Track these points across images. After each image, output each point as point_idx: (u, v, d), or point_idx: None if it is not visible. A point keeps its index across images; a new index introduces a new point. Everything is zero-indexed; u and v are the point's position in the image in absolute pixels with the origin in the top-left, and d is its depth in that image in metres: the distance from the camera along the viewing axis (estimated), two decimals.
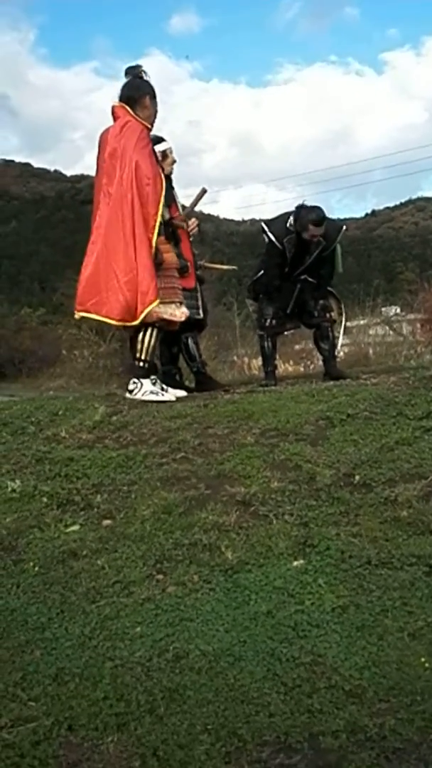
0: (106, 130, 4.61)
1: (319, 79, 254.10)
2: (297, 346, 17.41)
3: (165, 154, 5.20)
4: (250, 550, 2.49)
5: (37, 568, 2.54)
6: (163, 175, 4.62)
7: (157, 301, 4.33)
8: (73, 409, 4.20)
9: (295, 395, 4.02)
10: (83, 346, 19.47)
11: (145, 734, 1.75)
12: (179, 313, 4.59)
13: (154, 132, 4.99)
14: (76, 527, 2.81)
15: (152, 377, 4.63)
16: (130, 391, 4.57)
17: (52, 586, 2.43)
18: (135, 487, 3.07)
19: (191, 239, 5.38)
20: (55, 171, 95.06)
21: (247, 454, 3.22)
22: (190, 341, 5.37)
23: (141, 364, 4.59)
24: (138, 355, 4.59)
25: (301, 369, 15.52)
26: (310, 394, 3.99)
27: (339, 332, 5.77)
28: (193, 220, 5.41)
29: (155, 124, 4.73)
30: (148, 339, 4.56)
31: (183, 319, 4.63)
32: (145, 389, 4.53)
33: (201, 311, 5.27)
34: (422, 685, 1.82)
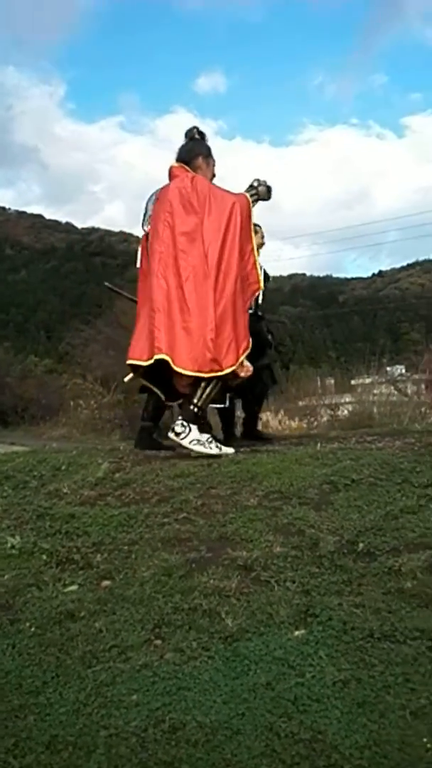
0: (166, 187, 4.73)
1: (339, 140, 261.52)
2: (301, 403, 17.45)
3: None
4: (250, 618, 2.45)
5: (33, 629, 2.50)
6: None
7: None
8: (75, 464, 4.19)
9: (300, 457, 4.01)
10: (87, 396, 19.51)
11: None
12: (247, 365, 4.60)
13: None
14: (74, 587, 2.78)
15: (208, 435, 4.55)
16: (177, 434, 4.43)
17: (48, 648, 2.39)
18: (136, 547, 3.04)
19: None
20: (67, 223, 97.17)
21: (249, 516, 3.20)
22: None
23: (196, 409, 4.49)
24: (196, 401, 4.49)
25: (304, 425, 15.52)
26: (314, 456, 3.98)
27: None
28: None
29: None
30: (211, 389, 4.50)
31: (249, 373, 4.63)
32: (193, 437, 4.42)
33: None
34: (423, 767, 1.77)
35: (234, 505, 3.35)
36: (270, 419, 15.24)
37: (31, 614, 2.59)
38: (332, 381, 19.62)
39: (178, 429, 4.43)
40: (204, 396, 4.50)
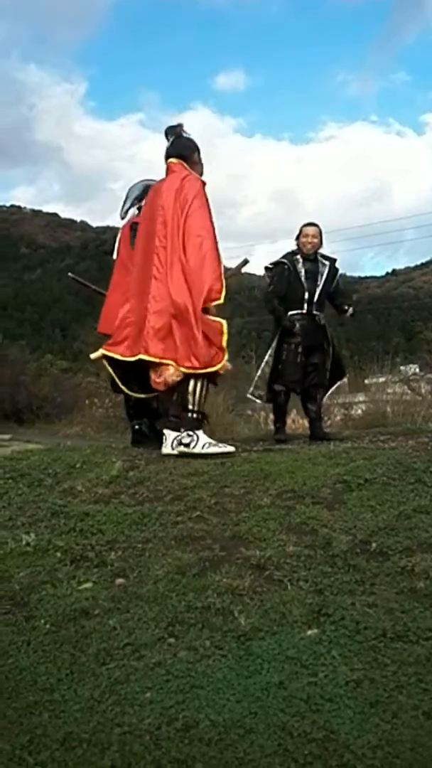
0: (161, 182, 4.81)
1: (359, 137, 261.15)
2: None
3: None
4: (263, 617, 2.45)
5: (48, 626, 2.52)
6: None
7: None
8: (90, 463, 4.21)
9: (313, 456, 4.01)
10: (102, 394, 19.51)
11: None
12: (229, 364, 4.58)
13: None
14: (88, 585, 2.80)
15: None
16: (186, 445, 4.42)
17: (62, 646, 2.40)
18: (149, 545, 3.06)
19: None
20: (81, 221, 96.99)
21: (263, 515, 3.21)
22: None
23: (195, 415, 4.49)
24: (191, 406, 4.49)
25: None
26: (327, 456, 3.98)
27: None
28: None
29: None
30: (200, 389, 4.49)
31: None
32: (204, 441, 4.43)
33: None
34: None
35: (247, 504, 3.36)
36: None
37: (46, 611, 2.61)
38: (346, 380, 19.49)
39: (185, 440, 4.44)
40: (197, 399, 4.50)
